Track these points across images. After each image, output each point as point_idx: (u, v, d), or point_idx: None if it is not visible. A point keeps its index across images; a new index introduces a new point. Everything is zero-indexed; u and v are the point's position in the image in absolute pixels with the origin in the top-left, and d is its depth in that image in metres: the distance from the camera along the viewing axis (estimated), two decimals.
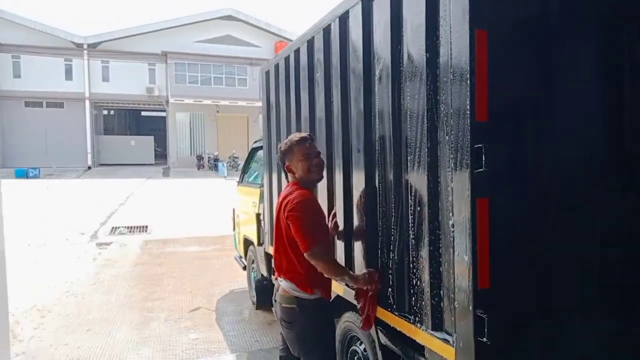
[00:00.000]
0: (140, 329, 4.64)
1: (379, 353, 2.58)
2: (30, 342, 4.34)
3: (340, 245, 2.79)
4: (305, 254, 2.28)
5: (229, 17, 28.72)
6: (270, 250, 4.22)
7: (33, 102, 26.26)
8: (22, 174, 21.57)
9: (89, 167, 26.60)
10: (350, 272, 2.51)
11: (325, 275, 2.36)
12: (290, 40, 28.89)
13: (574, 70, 1.86)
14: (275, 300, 2.55)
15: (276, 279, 2.58)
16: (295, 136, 2.57)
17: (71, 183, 20.11)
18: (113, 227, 10.51)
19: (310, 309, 2.40)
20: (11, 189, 14.64)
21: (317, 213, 2.47)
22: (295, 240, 2.33)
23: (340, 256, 2.79)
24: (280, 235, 2.45)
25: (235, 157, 25.05)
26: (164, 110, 29.07)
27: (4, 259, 3.56)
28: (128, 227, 10.47)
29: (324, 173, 2.63)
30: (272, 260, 2.96)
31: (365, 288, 2.39)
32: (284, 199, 2.44)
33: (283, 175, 2.82)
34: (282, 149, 2.54)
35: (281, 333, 2.61)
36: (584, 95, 1.89)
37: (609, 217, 1.93)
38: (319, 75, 3.03)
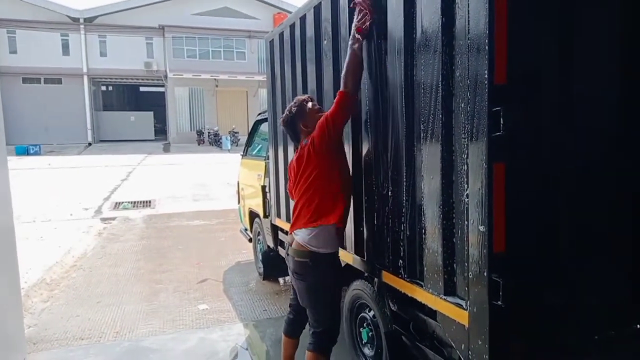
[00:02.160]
0: (149, 300, 4.71)
1: (389, 319, 2.62)
2: (42, 315, 4.41)
3: (351, 213, 2.80)
4: (345, 94, 2.39)
5: None
6: (277, 222, 4.24)
7: (30, 78, 25.98)
8: (22, 151, 21.55)
9: (90, 144, 26.55)
10: (348, 51, 2.45)
11: (360, 77, 2.47)
12: (289, 12, 28.37)
13: (594, 33, 1.82)
14: (288, 254, 2.65)
15: (291, 233, 2.67)
16: (300, 98, 2.73)
17: (72, 159, 20.10)
18: (117, 203, 10.55)
19: (323, 264, 2.51)
20: (13, 165, 14.59)
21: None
22: (327, 173, 2.48)
23: (350, 226, 2.80)
24: (304, 183, 2.53)
25: (235, 132, 24.97)
26: (162, 86, 28.79)
27: (13, 233, 3.59)
28: (132, 202, 10.51)
29: None
30: (286, 227, 2.96)
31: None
32: (308, 144, 2.51)
33: (281, 149, 2.83)
34: (292, 110, 2.64)
35: (291, 284, 2.75)
36: (604, 59, 1.85)
37: (625, 184, 1.93)
38: (327, 44, 2.97)
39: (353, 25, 2.42)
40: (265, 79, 4.51)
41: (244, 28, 27.62)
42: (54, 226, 8.25)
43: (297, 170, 2.63)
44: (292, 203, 2.89)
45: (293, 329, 2.91)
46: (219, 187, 12.62)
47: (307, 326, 2.76)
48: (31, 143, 22.66)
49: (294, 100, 2.73)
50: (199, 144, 26.64)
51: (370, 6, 2.36)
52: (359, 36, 2.39)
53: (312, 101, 2.71)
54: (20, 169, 15.35)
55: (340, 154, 2.63)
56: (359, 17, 2.39)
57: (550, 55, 1.74)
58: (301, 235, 2.53)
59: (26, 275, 5.24)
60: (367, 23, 2.37)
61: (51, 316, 4.37)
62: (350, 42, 2.43)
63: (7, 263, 3.40)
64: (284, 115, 2.75)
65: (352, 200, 2.74)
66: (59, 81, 26.70)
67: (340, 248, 2.95)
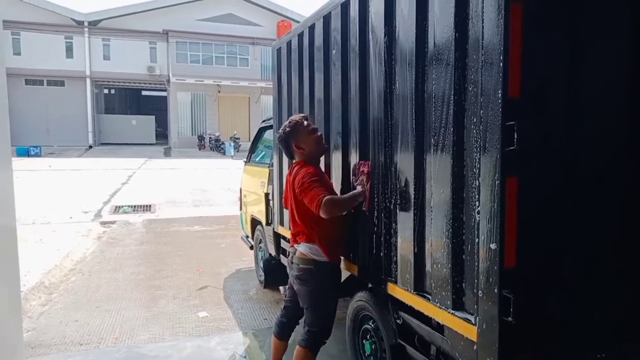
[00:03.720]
0: (149, 306, 4.67)
1: (394, 332, 2.60)
2: (40, 319, 4.37)
3: (357, 224, 2.78)
4: (320, 214, 2.54)
5: None
6: (280, 230, 4.22)
7: (33, 80, 26.06)
8: (23, 153, 21.53)
9: (90, 146, 26.56)
10: (350, 195, 2.71)
11: (344, 210, 2.70)
12: (293, 20, 28.60)
13: (607, 47, 1.81)
14: (292, 263, 2.86)
15: (292, 246, 2.90)
16: (295, 117, 2.87)
17: (73, 162, 20.08)
18: (117, 206, 10.52)
19: (324, 271, 2.74)
20: (13, 167, 14.58)
21: (322, 181, 2.72)
22: (310, 211, 2.63)
23: (356, 238, 2.78)
24: (296, 210, 2.77)
25: (237, 138, 25.00)
26: (165, 90, 28.89)
27: (15, 236, 3.56)
28: (132, 206, 10.48)
29: (340, 156, 2.92)
30: (288, 235, 3.12)
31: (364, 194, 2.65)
32: (294, 177, 2.74)
33: (286, 157, 3.03)
34: (286, 130, 2.80)
35: (289, 288, 3.01)
36: (618, 72, 1.85)
37: (638, 196, 1.91)
38: (335, 54, 2.97)
39: (360, 186, 2.65)
40: (267, 86, 4.55)
41: (248, 35, 27.78)
42: (53, 229, 8.22)
43: (288, 187, 2.85)
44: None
45: (283, 332, 3.09)
46: (220, 192, 12.60)
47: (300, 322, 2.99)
48: (32, 144, 22.65)
49: (289, 120, 2.87)
50: (199, 149, 26.66)
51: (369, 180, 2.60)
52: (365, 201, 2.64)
53: (306, 121, 2.84)
54: (21, 170, 15.33)
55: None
56: (366, 184, 2.61)
57: (563, 69, 1.74)
58: (303, 247, 2.77)
59: (25, 278, 5.20)
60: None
61: (50, 320, 4.33)
62: (357, 195, 2.65)
63: (8, 266, 3.36)
64: (278, 133, 2.88)
65: (356, 212, 2.74)
66: (62, 83, 26.78)
67: (344, 258, 2.95)
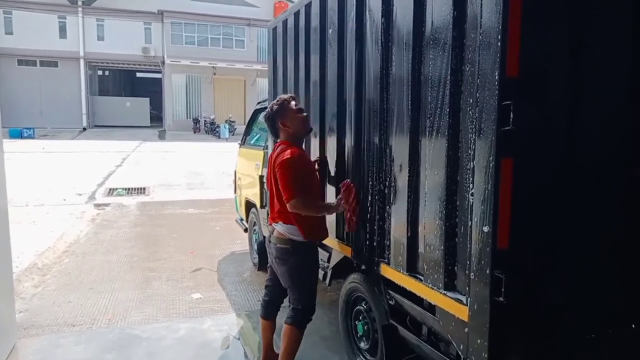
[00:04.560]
0: (142, 288, 4.67)
1: (386, 312, 2.61)
2: (33, 300, 4.36)
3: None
4: (288, 207, 2.65)
5: None
6: None
7: (26, 60, 25.70)
8: (16, 134, 21.33)
9: (84, 129, 26.34)
10: (326, 204, 2.95)
11: (312, 214, 2.77)
12: (290, 1, 28.13)
13: (606, 28, 1.78)
14: (270, 242, 2.91)
15: (270, 224, 2.94)
16: (283, 96, 2.92)
17: (66, 144, 19.93)
18: (110, 189, 10.47)
19: (301, 250, 2.80)
20: (6, 148, 14.35)
21: (302, 169, 2.75)
22: None
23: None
24: (276, 189, 2.80)
25: (232, 121, 24.85)
26: (159, 72, 28.57)
27: (7, 217, 3.54)
28: (126, 189, 10.43)
29: (335, 138, 2.93)
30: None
31: (345, 207, 2.75)
32: (276, 156, 2.75)
33: (271, 135, 3.13)
34: (274, 108, 2.84)
35: (269, 267, 3.07)
36: (616, 55, 1.82)
37: (633, 182, 1.90)
38: (332, 34, 2.92)
39: (343, 201, 2.73)
40: (263, 69, 4.48)
41: (244, 16, 27.42)
42: (46, 211, 8.18)
43: (270, 165, 2.86)
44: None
45: (268, 312, 3.14)
46: (214, 176, 12.56)
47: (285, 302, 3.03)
48: (25, 126, 22.43)
49: (277, 99, 2.92)
50: (194, 132, 26.50)
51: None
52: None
53: (294, 100, 2.91)
54: (14, 152, 15.17)
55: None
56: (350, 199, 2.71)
57: (562, 49, 1.71)
58: (280, 227, 2.81)
59: (17, 259, 5.18)
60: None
61: (42, 301, 4.32)
62: (330, 206, 2.83)
63: (0, 247, 3.35)
64: (265, 111, 2.92)
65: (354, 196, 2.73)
66: (55, 64, 26.42)
67: (338, 240, 2.94)
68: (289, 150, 2.69)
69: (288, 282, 2.87)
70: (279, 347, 2.93)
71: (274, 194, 2.83)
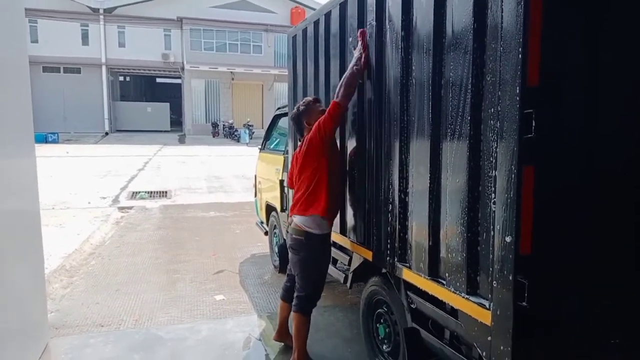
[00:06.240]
0: (167, 289, 4.78)
1: (408, 316, 2.64)
2: (62, 301, 4.50)
3: (371, 210, 2.81)
4: (337, 104, 2.86)
5: None
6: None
7: (50, 67, 26.35)
8: (41, 139, 21.85)
9: (106, 133, 26.88)
10: (353, 72, 2.87)
11: (351, 92, 2.88)
12: (307, 7, 28.31)
13: (625, 37, 1.80)
14: (287, 232, 3.20)
15: (291, 216, 3.18)
16: (309, 98, 3.27)
17: (90, 148, 20.39)
18: (133, 192, 10.68)
19: (314, 242, 3.01)
20: None
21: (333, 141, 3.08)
22: (316, 172, 2.96)
23: (370, 223, 2.82)
24: (299, 174, 3.07)
25: (250, 125, 25.08)
26: (179, 77, 29.01)
27: (39, 220, 3.68)
28: (148, 192, 10.63)
29: (355, 142, 3.07)
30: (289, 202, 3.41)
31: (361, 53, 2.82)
32: (306, 140, 3.01)
33: (297, 133, 3.36)
34: (300, 108, 3.17)
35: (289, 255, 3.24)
36: (635, 62, 1.83)
37: None
38: (352, 41, 2.98)
39: (358, 50, 2.80)
40: (281, 73, 4.59)
41: (262, 22, 27.68)
42: (72, 214, 8.40)
43: (297, 163, 3.14)
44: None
45: (288, 295, 3.39)
46: (234, 179, 12.71)
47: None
48: (50, 131, 22.99)
49: (303, 100, 3.25)
50: (213, 136, 26.81)
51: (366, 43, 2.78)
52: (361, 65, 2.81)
53: (318, 102, 3.22)
54: (39, 156, 15.52)
55: (331, 155, 3.04)
56: (363, 50, 2.78)
57: (581, 57, 1.73)
58: (298, 219, 3.04)
59: (47, 261, 5.33)
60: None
61: (72, 302, 4.46)
62: (353, 63, 2.83)
63: (33, 249, 3.49)
64: (292, 111, 3.28)
65: (372, 198, 2.77)
66: (78, 71, 27.05)
67: (359, 243, 2.99)
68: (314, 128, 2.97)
69: (297, 270, 3.14)
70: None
71: (298, 179, 3.08)
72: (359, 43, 2.81)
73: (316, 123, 2.97)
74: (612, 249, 1.89)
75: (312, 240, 3.00)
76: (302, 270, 3.09)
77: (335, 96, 2.88)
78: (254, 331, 3.86)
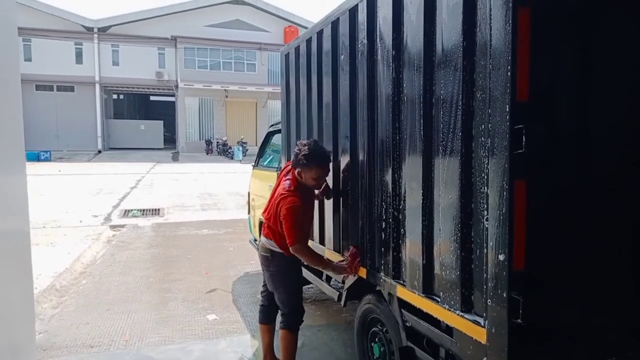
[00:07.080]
0: (158, 309, 4.71)
1: (403, 334, 2.61)
2: (52, 321, 4.42)
3: (365, 228, 2.80)
4: (290, 248, 2.91)
5: (238, 1, 28.56)
6: None
7: (44, 85, 26.39)
8: (33, 157, 21.77)
9: (99, 151, 26.80)
10: (327, 260, 3.16)
11: (308, 262, 3.03)
12: (300, 25, 28.68)
13: (617, 51, 1.82)
14: (258, 250, 3.35)
15: (261, 236, 3.26)
16: (319, 154, 2.95)
17: (82, 166, 20.29)
18: (126, 210, 10.60)
19: (279, 259, 3.10)
20: None
21: (302, 217, 2.98)
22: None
23: (364, 241, 2.80)
24: (276, 217, 3.00)
25: (244, 142, 25.12)
26: (173, 95, 29.13)
27: (29, 239, 3.62)
28: (141, 210, 10.56)
29: (347, 160, 3.04)
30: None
31: (347, 272, 2.98)
32: (280, 195, 2.98)
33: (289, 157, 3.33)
34: (305, 156, 2.90)
35: (263, 277, 3.34)
36: (627, 76, 1.85)
37: None
38: (343, 59, 3.00)
39: (346, 265, 2.94)
40: (274, 91, 4.61)
41: (255, 40, 27.98)
42: (63, 232, 8.30)
43: (273, 199, 3.11)
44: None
45: (266, 316, 3.41)
46: (227, 197, 12.66)
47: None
48: (42, 149, 22.90)
49: (314, 150, 2.93)
50: (207, 154, 26.81)
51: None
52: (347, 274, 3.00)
53: (328, 164, 3.05)
54: (31, 174, 15.44)
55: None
56: (354, 265, 2.89)
57: (571, 72, 1.75)
58: (264, 239, 3.18)
59: (36, 281, 5.26)
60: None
61: (61, 323, 4.38)
62: (336, 266, 3.01)
63: (22, 268, 3.42)
64: (296, 150, 2.98)
65: (365, 216, 2.77)
66: (72, 89, 27.09)
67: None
68: (290, 199, 2.91)
69: (272, 286, 3.20)
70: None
71: (277, 222, 3.01)
72: (348, 260, 2.94)
73: (284, 210, 2.89)
74: (607, 262, 1.89)
75: (276, 257, 3.09)
76: (277, 285, 3.15)
77: (300, 249, 2.91)
78: (246, 351, 3.80)
